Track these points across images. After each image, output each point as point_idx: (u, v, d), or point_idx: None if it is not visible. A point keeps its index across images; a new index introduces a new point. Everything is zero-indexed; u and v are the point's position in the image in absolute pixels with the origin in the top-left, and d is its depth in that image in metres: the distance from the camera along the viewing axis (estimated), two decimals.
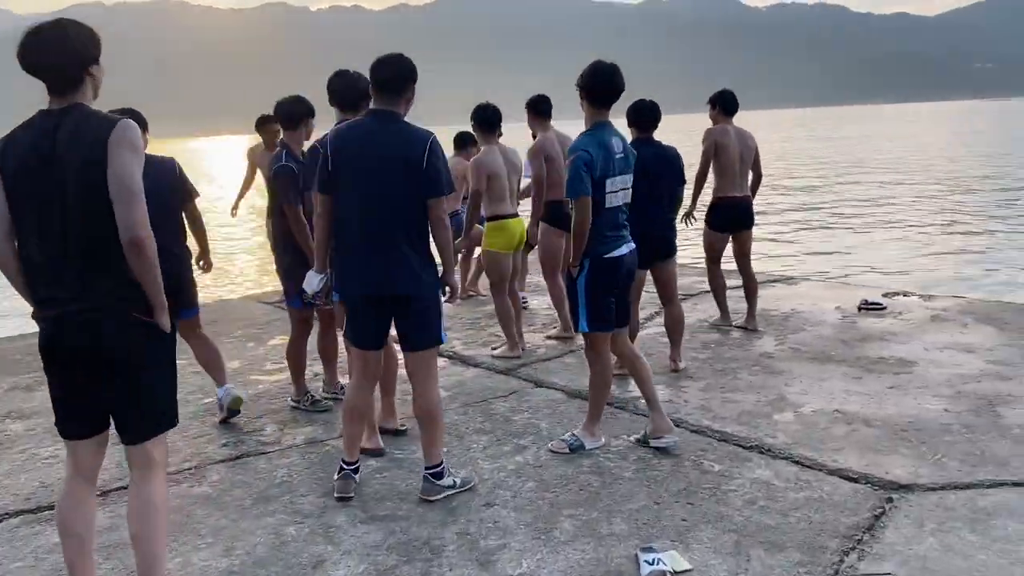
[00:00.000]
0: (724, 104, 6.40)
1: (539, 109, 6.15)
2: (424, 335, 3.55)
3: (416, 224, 3.45)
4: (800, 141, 61.74)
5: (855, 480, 3.70)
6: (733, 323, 6.55)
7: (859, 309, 6.91)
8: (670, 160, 5.26)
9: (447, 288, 3.64)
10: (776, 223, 18.94)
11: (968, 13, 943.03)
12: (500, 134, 5.92)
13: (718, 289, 6.60)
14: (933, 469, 3.77)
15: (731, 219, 6.39)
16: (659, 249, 5.21)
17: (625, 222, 4.07)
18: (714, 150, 6.29)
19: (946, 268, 12.97)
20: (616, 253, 3.99)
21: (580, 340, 5.21)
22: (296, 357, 4.86)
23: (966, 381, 4.97)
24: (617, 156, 3.95)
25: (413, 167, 3.37)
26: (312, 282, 3.85)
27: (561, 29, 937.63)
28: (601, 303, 4.01)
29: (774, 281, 8.33)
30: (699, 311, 7.14)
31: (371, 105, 3.57)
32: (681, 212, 6.33)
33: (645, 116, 5.28)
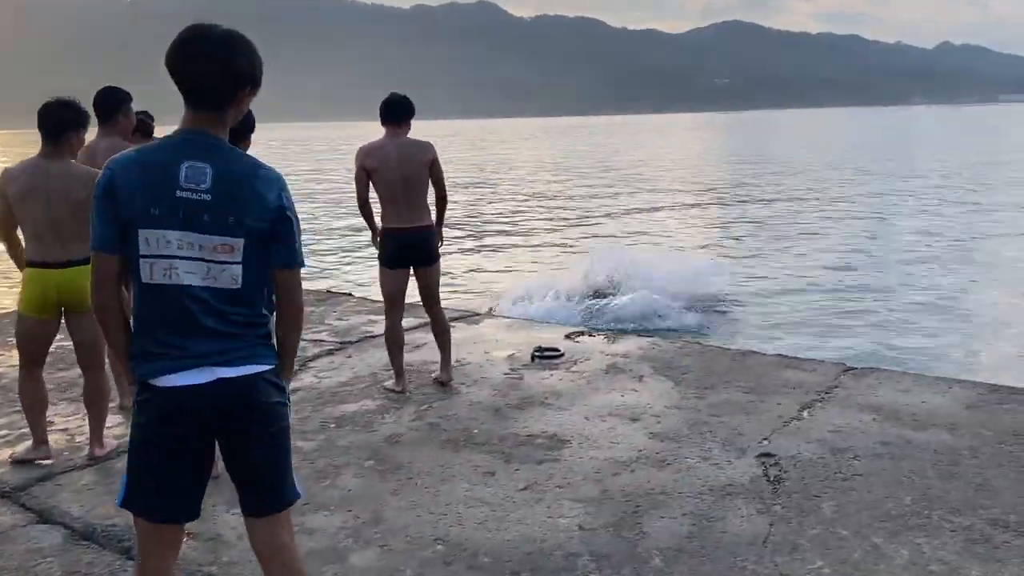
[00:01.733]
0: (383, 112, 5.08)
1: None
2: None
3: None
4: (555, 150, 63.50)
5: None
6: (407, 388, 5.22)
7: (532, 358, 5.86)
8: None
9: None
10: (487, 244, 18.24)
11: (706, 32, 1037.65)
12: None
13: (388, 343, 5.27)
14: None
15: (400, 254, 5.12)
16: None
17: (215, 325, 2.13)
18: (365, 174, 5.00)
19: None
20: (170, 381, 2.13)
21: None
22: None
23: (618, 470, 3.95)
24: (183, 194, 2.09)
25: None
26: None
27: (330, 29, 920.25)
28: (144, 463, 2.18)
29: (456, 319, 7.18)
30: (348, 368, 5.78)
31: None
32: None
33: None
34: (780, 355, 5.92)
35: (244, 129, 3.69)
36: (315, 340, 6.54)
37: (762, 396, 4.95)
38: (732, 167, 37.96)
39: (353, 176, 5.04)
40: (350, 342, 6.45)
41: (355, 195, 5.10)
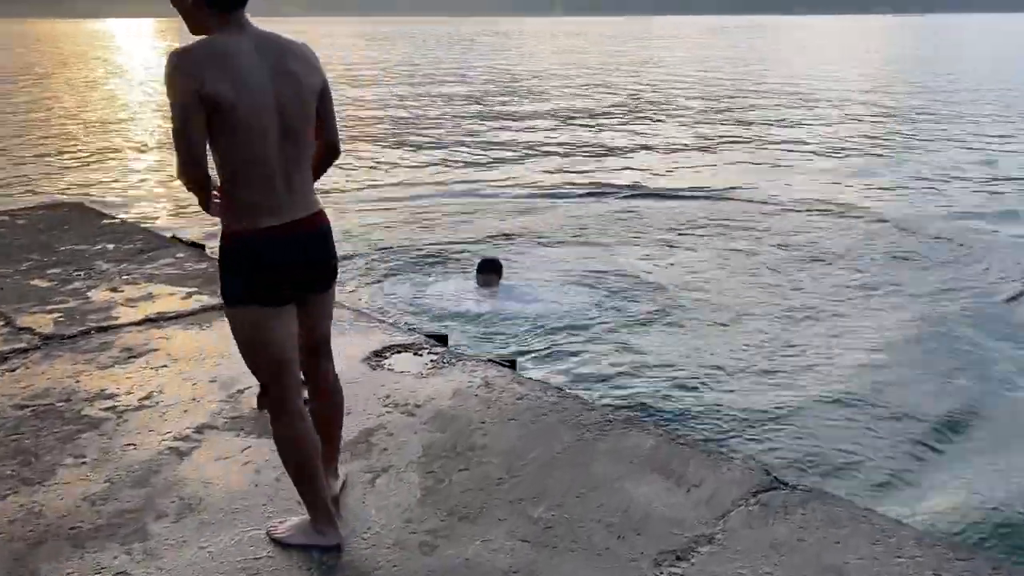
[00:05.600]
0: None
1: None
2: None
3: None
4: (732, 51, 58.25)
5: None
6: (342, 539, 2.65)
7: (259, 402, 3.58)
8: None
9: None
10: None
11: None
12: None
13: (294, 458, 2.55)
14: None
15: (285, 277, 2.41)
16: None
17: None
18: (198, 112, 2.19)
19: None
20: None
21: None
22: None
23: None
24: None
25: None
26: None
27: None
28: None
29: None
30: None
31: None
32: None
33: None
34: (666, 437, 3.35)
35: None
36: (21, 328, 4.49)
37: (548, 555, 2.52)
38: None
39: (177, 116, 2.19)
40: (54, 338, 4.33)
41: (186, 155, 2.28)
